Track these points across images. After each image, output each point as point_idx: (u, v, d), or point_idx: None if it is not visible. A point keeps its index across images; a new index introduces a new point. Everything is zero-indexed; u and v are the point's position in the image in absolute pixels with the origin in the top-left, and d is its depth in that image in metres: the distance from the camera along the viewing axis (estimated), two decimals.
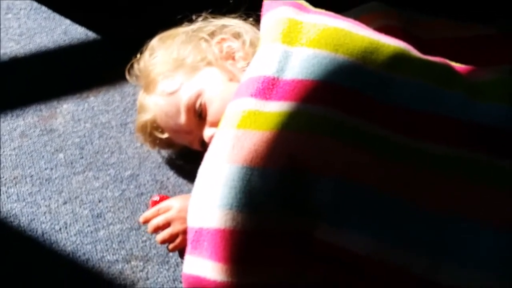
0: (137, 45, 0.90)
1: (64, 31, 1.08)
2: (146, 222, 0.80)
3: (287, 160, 0.63)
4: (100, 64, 1.03)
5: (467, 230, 0.59)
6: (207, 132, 0.81)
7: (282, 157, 0.63)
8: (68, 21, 1.10)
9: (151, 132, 0.86)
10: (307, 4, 0.79)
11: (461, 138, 0.65)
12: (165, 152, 0.93)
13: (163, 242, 0.79)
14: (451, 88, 0.70)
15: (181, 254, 0.81)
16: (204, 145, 0.84)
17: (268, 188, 0.62)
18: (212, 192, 0.64)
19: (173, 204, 0.79)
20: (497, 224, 0.59)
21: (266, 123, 0.65)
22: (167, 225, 0.78)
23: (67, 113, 0.97)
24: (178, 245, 0.78)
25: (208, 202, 0.65)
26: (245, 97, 0.69)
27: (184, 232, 0.77)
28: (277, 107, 0.66)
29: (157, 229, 0.78)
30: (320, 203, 0.62)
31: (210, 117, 0.81)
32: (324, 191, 0.62)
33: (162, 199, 0.82)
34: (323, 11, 0.77)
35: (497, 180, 0.62)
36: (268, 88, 0.68)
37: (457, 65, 0.76)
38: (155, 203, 0.81)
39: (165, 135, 0.86)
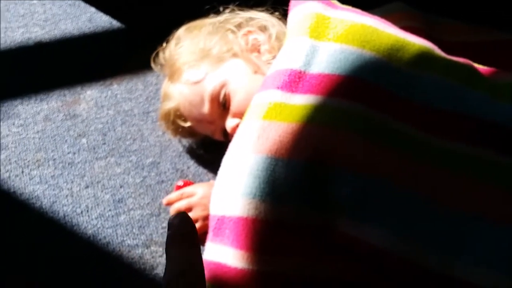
0: (161, 34, 0.91)
1: (89, 19, 1.09)
2: (169, 204, 0.82)
3: (311, 152, 0.64)
4: (124, 52, 1.05)
5: (484, 229, 0.60)
6: (229, 123, 0.82)
7: (307, 149, 0.64)
8: (93, 9, 1.11)
9: (174, 120, 0.87)
10: (335, 1, 0.79)
11: (482, 137, 0.66)
12: (186, 141, 0.94)
13: None
14: (475, 88, 0.70)
15: (200, 241, 0.82)
16: (226, 135, 0.85)
17: (291, 179, 0.63)
18: (236, 181, 0.65)
19: (197, 191, 0.80)
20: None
21: (291, 115, 0.66)
22: (188, 210, 0.80)
23: (91, 99, 0.98)
24: (197, 230, 0.80)
25: (232, 190, 0.66)
26: (272, 89, 0.69)
27: (204, 218, 0.79)
28: (303, 100, 0.67)
29: None
30: (341, 196, 0.62)
31: (233, 108, 0.82)
32: (345, 184, 0.62)
33: (186, 184, 0.84)
34: (350, 7, 0.78)
35: None
36: (295, 81, 0.69)
37: (479, 67, 0.76)
38: (179, 187, 0.83)
39: (188, 124, 0.87)
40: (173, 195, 0.82)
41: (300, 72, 0.69)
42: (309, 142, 0.64)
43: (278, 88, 0.69)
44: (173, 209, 0.81)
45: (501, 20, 0.98)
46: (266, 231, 0.63)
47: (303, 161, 0.64)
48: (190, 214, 0.80)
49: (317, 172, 0.63)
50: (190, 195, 0.80)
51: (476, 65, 0.76)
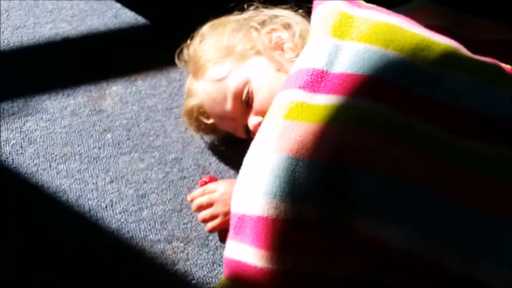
0: (186, 31, 0.92)
1: (114, 15, 1.11)
2: (192, 201, 0.83)
3: (332, 152, 0.64)
4: (148, 48, 1.06)
5: (499, 228, 0.59)
6: (252, 120, 0.83)
7: (328, 149, 0.64)
8: (118, 5, 1.12)
9: (197, 117, 0.88)
10: None
11: (498, 136, 0.65)
12: (208, 138, 0.95)
13: (204, 221, 0.82)
14: (500, 88, 0.69)
15: (221, 238, 0.83)
16: (248, 133, 0.85)
17: (312, 179, 0.63)
18: (257, 180, 0.66)
19: (219, 187, 0.82)
20: None
21: (313, 115, 0.66)
22: (210, 205, 0.81)
23: (116, 95, 0.99)
24: (217, 226, 0.81)
25: (253, 189, 0.66)
26: (294, 89, 0.69)
27: (224, 214, 0.80)
28: (325, 100, 0.67)
29: (201, 208, 0.82)
30: (361, 196, 0.62)
31: (256, 105, 0.82)
32: (366, 184, 0.62)
33: (211, 180, 0.86)
34: (375, 6, 0.77)
35: None
36: (317, 81, 0.69)
37: (506, 66, 0.75)
38: (204, 183, 0.85)
39: (210, 121, 0.87)
40: (196, 191, 0.83)
41: (323, 72, 0.69)
42: (330, 142, 0.64)
43: (300, 87, 0.69)
44: (194, 205, 0.82)
45: None
46: (286, 231, 0.64)
47: (323, 162, 0.64)
48: (211, 209, 0.81)
49: (338, 172, 0.63)
50: (211, 191, 0.82)
51: (503, 65, 0.74)
